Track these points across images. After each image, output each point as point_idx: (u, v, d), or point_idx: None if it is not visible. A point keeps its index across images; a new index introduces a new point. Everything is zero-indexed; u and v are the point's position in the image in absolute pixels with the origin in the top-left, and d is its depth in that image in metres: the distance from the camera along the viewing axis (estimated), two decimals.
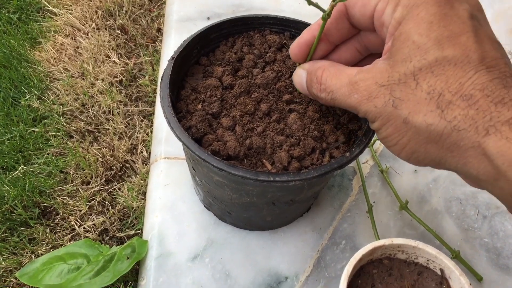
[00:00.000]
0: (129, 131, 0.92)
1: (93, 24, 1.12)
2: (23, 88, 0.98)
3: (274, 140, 0.56)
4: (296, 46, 0.49)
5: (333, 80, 0.42)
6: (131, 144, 0.90)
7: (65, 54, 1.05)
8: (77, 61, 1.04)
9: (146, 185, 0.79)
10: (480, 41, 0.34)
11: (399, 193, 0.77)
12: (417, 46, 0.34)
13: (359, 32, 0.47)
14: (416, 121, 0.35)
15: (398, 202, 0.73)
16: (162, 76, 0.58)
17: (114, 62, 1.04)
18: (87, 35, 1.09)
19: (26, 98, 0.97)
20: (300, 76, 0.50)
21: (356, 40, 0.47)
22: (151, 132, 0.88)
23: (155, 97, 0.97)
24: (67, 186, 0.83)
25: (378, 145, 0.84)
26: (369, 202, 0.73)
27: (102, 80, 1.00)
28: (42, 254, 0.75)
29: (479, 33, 0.34)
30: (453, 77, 0.33)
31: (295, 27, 0.68)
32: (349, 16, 0.44)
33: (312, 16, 1.05)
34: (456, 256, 0.67)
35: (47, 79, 1.01)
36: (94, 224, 0.79)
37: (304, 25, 0.67)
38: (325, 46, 0.48)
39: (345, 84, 0.40)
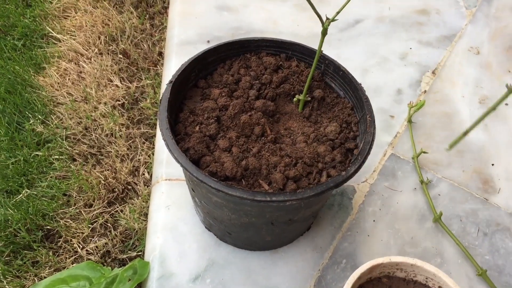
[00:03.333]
0: (131, 154, 0.93)
1: (96, 49, 1.14)
2: (27, 112, 1.00)
3: (269, 161, 0.57)
4: None
5: None
6: (133, 166, 0.91)
7: (69, 79, 1.07)
8: (80, 86, 1.05)
9: (148, 207, 0.80)
10: None
11: (397, 210, 0.77)
12: None
13: None
14: None
15: (433, 213, 0.76)
16: (160, 100, 0.59)
17: (117, 85, 1.06)
18: (90, 60, 1.11)
19: (30, 122, 0.98)
20: None
21: None
22: (153, 154, 0.90)
23: (156, 119, 0.99)
24: (70, 209, 0.84)
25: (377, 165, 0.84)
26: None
27: (105, 103, 1.01)
28: (45, 277, 0.76)
29: None
30: None
31: (291, 48, 0.69)
32: None
33: (309, 37, 1.07)
34: (481, 274, 0.69)
35: (51, 104, 1.03)
36: (97, 246, 0.79)
37: (300, 46, 0.68)
38: None
39: None
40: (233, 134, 0.59)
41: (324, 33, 0.51)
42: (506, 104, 0.97)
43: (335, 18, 0.51)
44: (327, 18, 0.52)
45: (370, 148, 0.57)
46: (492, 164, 0.86)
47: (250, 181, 0.56)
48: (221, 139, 0.60)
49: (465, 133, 0.41)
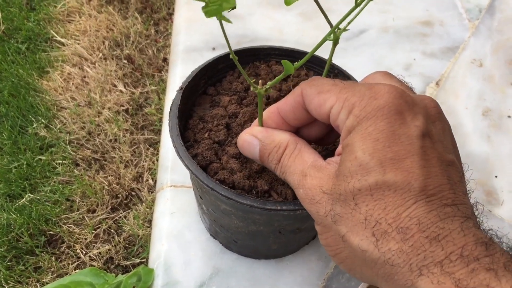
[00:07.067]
0: (135, 159, 0.93)
1: (100, 54, 1.14)
2: (30, 116, 1.00)
3: None
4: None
5: (289, 161, 0.40)
6: (137, 172, 0.91)
7: (73, 83, 1.07)
8: (84, 90, 1.05)
9: (152, 213, 0.79)
10: (427, 165, 0.32)
11: None
12: (359, 163, 0.32)
13: None
14: (352, 242, 0.32)
15: None
16: (171, 106, 0.59)
17: (121, 91, 1.05)
18: (94, 64, 1.11)
19: (33, 126, 0.98)
20: (250, 144, 0.46)
21: None
22: (157, 160, 0.89)
23: (161, 125, 0.98)
24: (73, 214, 0.84)
25: None
26: None
27: (109, 108, 1.01)
28: (47, 283, 0.75)
29: (428, 154, 0.33)
30: (391, 205, 0.31)
31: (300, 57, 0.69)
32: (307, 108, 0.41)
33: (314, 45, 1.07)
34: None
35: (54, 108, 1.02)
36: (100, 253, 0.79)
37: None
38: (286, 127, 0.45)
39: (298, 171, 0.38)
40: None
41: (336, 42, 0.51)
42: (509, 117, 0.97)
43: (347, 28, 0.51)
44: (338, 28, 0.52)
45: None
46: (496, 176, 0.86)
47: (259, 189, 0.56)
48: (229, 145, 0.59)
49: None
